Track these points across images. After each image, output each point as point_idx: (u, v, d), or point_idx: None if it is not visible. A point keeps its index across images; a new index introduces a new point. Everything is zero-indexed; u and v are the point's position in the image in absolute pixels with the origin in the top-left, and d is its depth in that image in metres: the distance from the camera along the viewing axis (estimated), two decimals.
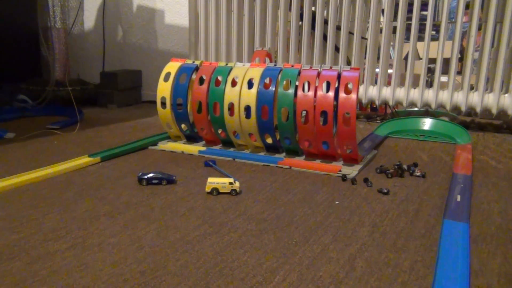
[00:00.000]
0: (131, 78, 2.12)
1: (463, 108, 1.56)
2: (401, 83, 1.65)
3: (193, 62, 1.27)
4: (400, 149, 1.30)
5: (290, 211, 0.79)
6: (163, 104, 1.23)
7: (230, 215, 0.76)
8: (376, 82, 1.68)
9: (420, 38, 1.61)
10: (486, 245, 0.67)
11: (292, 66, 1.14)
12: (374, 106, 1.83)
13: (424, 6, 1.55)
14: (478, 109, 1.54)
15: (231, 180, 0.87)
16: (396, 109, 1.83)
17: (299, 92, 1.07)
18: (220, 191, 0.87)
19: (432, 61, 1.63)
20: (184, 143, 1.28)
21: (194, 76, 1.24)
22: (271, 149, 1.19)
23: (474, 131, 1.58)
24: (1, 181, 0.90)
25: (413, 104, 1.63)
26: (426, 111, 1.74)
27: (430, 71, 1.82)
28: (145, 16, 2.15)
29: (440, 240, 0.67)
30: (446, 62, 1.57)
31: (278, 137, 1.16)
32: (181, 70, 1.24)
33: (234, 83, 1.15)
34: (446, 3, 1.51)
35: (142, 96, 2.19)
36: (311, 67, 1.11)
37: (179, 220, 0.74)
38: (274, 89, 1.11)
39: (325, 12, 1.70)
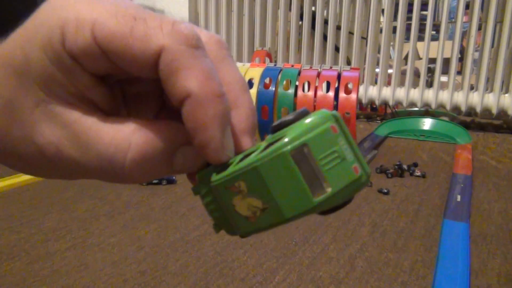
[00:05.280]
0: None
1: (463, 108, 1.56)
2: (401, 83, 1.65)
3: None
4: (400, 149, 1.30)
5: None
6: None
7: None
8: (376, 82, 1.68)
9: (420, 38, 1.61)
10: (486, 245, 0.67)
11: (292, 66, 1.14)
12: (374, 106, 1.83)
13: (424, 6, 1.55)
14: (478, 109, 1.54)
15: None
16: (396, 109, 1.83)
17: (299, 92, 1.07)
18: None
19: (432, 61, 1.63)
20: None
21: None
22: None
23: (474, 131, 1.58)
24: (1, 181, 0.90)
25: (413, 104, 1.63)
26: (426, 111, 1.74)
27: (431, 71, 1.82)
28: None
29: (440, 240, 0.67)
30: (446, 62, 1.57)
31: None
32: None
33: None
34: (446, 3, 1.51)
35: None
36: (311, 67, 1.11)
37: (179, 220, 0.74)
38: (274, 89, 1.11)
39: (325, 12, 1.70)
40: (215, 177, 0.18)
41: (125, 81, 0.20)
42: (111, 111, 0.19)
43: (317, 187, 0.16)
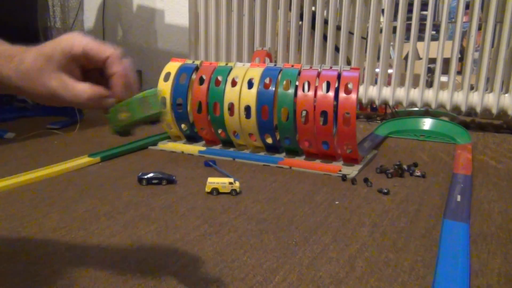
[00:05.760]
0: None
1: (463, 108, 1.56)
2: (401, 83, 1.65)
3: (193, 62, 1.27)
4: (400, 149, 1.30)
5: (290, 211, 0.79)
6: (163, 104, 1.23)
7: (230, 215, 0.76)
8: (376, 82, 1.68)
9: (420, 38, 1.61)
10: (486, 245, 0.67)
11: (292, 66, 1.14)
12: (374, 106, 1.83)
13: (424, 6, 1.55)
14: (478, 109, 1.54)
15: (231, 180, 0.87)
16: (396, 109, 1.83)
17: (299, 92, 1.07)
18: (220, 191, 0.87)
19: (432, 61, 1.63)
20: (184, 143, 1.28)
21: (194, 76, 1.24)
22: (271, 149, 1.19)
23: (474, 131, 1.58)
24: (1, 181, 0.90)
25: (413, 104, 1.63)
26: (426, 111, 1.74)
27: (431, 71, 1.82)
28: (145, 16, 2.15)
29: (440, 240, 0.67)
30: (446, 62, 1.57)
31: (278, 137, 1.16)
32: (181, 70, 1.24)
33: (234, 83, 1.15)
34: (446, 3, 1.51)
35: None
36: (311, 67, 1.11)
37: (179, 220, 0.74)
38: (274, 89, 1.11)
39: (325, 12, 1.70)
40: (115, 106, 0.44)
41: (91, 72, 0.46)
42: (83, 81, 0.44)
43: (146, 110, 0.44)
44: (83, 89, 0.43)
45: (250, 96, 1.12)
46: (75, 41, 0.43)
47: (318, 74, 1.08)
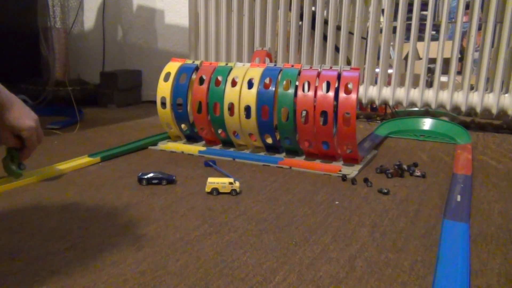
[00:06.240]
0: (131, 78, 2.12)
1: (463, 108, 1.56)
2: (401, 83, 1.65)
3: (193, 62, 1.27)
4: (400, 149, 1.30)
5: (290, 211, 0.79)
6: (163, 104, 1.23)
7: (230, 215, 0.76)
8: (376, 82, 1.68)
9: (420, 38, 1.61)
10: (486, 245, 0.67)
11: (292, 66, 1.14)
12: (374, 106, 1.83)
13: (424, 6, 1.55)
14: (478, 109, 1.54)
15: (231, 180, 0.87)
16: (396, 109, 1.83)
17: (299, 92, 1.07)
18: (220, 191, 0.87)
19: (432, 61, 1.63)
20: (184, 143, 1.28)
21: (194, 76, 1.24)
22: (271, 149, 1.19)
23: (474, 131, 1.58)
24: (1, 181, 0.90)
25: (413, 104, 1.63)
26: (426, 111, 1.74)
27: (431, 71, 1.82)
28: (145, 16, 2.15)
29: (440, 240, 0.67)
30: (446, 62, 1.57)
31: (278, 137, 1.16)
32: (181, 70, 1.24)
33: (234, 83, 1.15)
34: (446, 3, 1.51)
35: (142, 96, 2.19)
36: (311, 67, 1.11)
37: (179, 220, 0.74)
38: (274, 89, 1.11)
39: (325, 12, 1.70)
40: (9, 166, 0.89)
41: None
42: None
43: (13, 177, 0.91)
44: (7, 135, 0.84)
45: (250, 96, 1.12)
46: (14, 122, 0.84)
47: (318, 74, 1.08)
